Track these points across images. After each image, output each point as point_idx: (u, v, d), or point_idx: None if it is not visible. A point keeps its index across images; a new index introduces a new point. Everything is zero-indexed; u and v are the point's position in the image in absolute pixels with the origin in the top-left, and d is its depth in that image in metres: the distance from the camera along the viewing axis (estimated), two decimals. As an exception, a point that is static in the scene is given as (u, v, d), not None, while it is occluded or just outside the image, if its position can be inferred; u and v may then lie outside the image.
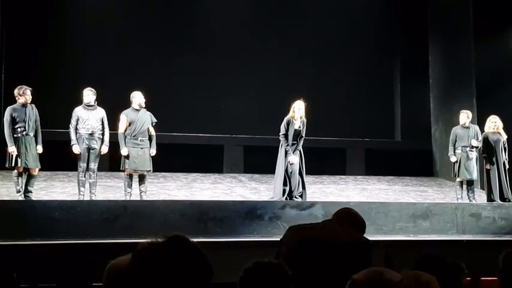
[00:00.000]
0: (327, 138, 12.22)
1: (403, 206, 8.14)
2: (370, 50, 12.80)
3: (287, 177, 8.14)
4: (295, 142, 8.18)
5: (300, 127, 8.19)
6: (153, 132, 8.09)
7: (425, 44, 12.58)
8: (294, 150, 8.16)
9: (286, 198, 8.14)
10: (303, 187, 8.29)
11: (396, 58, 13.20)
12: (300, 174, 8.25)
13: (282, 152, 8.23)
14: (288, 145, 8.11)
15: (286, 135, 8.15)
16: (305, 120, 8.26)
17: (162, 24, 11.92)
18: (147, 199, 8.04)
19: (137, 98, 8.05)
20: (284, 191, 8.16)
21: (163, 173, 10.65)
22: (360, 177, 11.85)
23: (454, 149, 9.12)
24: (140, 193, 8.01)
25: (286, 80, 12.16)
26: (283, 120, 8.24)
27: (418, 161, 12.38)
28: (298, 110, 8.19)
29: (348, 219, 3.23)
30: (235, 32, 12.15)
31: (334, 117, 12.49)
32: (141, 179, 8.03)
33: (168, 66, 11.93)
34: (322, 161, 12.14)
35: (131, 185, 7.98)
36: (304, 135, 8.24)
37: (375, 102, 12.96)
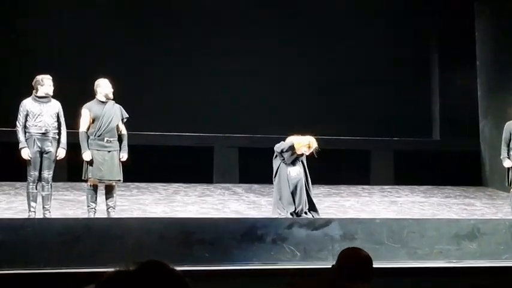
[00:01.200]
0: (345, 137, 12.25)
1: (444, 224, 8.15)
2: (400, 26, 12.82)
3: (290, 193, 8.25)
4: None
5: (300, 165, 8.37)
6: (123, 131, 8.10)
7: (470, 19, 12.61)
8: (294, 161, 8.33)
9: (293, 215, 8.17)
10: (311, 203, 8.35)
11: (433, 38, 13.24)
12: (306, 188, 8.33)
13: (277, 163, 8.39)
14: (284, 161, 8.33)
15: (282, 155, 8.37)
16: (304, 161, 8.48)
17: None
18: (117, 216, 8.04)
19: (103, 87, 8.05)
20: (287, 207, 8.23)
21: (137, 183, 10.62)
22: (387, 187, 11.86)
23: (508, 151, 9.10)
24: (108, 209, 8.01)
25: (292, 65, 12.19)
26: (282, 145, 8.46)
27: (462, 165, 12.41)
28: (302, 153, 8.35)
29: (354, 265, 3.31)
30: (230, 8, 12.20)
31: (355, 111, 12.53)
32: (109, 191, 8.03)
33: (145, 47, 11.96)
34: (339, 167, 12.16)
35: (96, 199, 7.98)
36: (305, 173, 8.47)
37: (406, 92, 13.00)
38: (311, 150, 8.36)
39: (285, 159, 8.38)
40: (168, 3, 12.22)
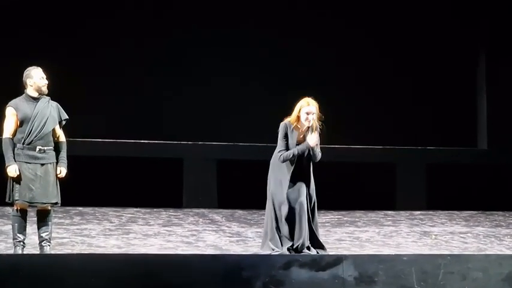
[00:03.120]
0: (363, 146, 12.32)
1: (493, 262, 8.17)
2: (440, 13, 13.06)
3: (287, 221, 8.25)
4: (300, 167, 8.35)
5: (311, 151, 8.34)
6: (62, 138, 8.10)
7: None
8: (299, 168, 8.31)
9: (290, 251, 8.18)
10: (313, 235, 8.36)
11: (480, 28, 13.41)
12: (310, 216, 8.33)
13: (274, 177, 8.36)
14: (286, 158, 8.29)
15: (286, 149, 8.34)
16: (318, 127, 8.39)
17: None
18: (53, 252, 8.02)
19: (35, 77, 8.05)
20: (283, 240, 8.23)
21: (81, 208, 10.57)
22: (418, 212, 11.91)
23: None
24: (41, 242, 7.99)
25: (285, 55, 12.35)
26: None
27: (516, 184, 12.51)
28: (306, 119, 8.30)
29: None
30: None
31: (376, 115, 12.62)
32: (43, 218, 8.01)
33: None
34: (354, 187, 12.21)
35: (25, 229, 7.96)
36: (317, 158, 8.37)
37: (443, 91, 13.14)
38: (313, 109, 8.32)
39: (290, 157, 8.25)
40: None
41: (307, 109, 8.36)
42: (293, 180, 8.42)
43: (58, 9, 12.21)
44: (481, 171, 12.79)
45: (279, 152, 8.37)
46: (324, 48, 12.88)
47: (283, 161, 8.33)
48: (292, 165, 8.35)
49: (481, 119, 13.37)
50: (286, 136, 8.37)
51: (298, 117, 8.37)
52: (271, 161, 8.55)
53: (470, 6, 13.53)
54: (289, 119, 8.41)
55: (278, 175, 8.41)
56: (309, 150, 8.33)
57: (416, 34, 13.31)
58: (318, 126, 8.43)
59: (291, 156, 8.30)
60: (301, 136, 8.39)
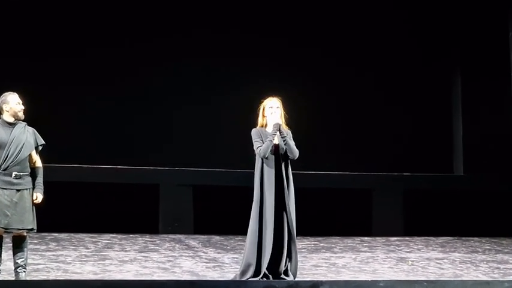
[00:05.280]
0: (340, 172, 12.37)
1: (469, 287, 8.20)
2: (414, 38, 13.20)
3: (268, 240, 8.17)
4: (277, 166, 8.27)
5: (280, 141, 8.28)
6: (38, 163, 8.10)
7: (502, 26, 12.99)
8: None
9: (267, 276, 8.17)
10: (291, 254, 8.33)
11: (454, 54, 13.58)
12: (289, 233, 8.28)
13: (259, 189, 8.28)
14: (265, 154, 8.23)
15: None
16: (288, 131, 8.39)
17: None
18: (29, 279, 7.98)
19: (11, 103, 8.06)
20: (261, 263, 8.19)
21: (56, 234, 10.50)
22: (395, 238, 11.92)
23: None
24: (16, 268, 7.96)
25: (266, 81, 12.40)
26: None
27: (492, 209, 12.57)
28: (270, 114, 8.33)
29: None
30: None
31: (352, 140, 12.69)
32: (18, 244, 7.98)
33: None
34: (332, 213, 12.24)
35: (0, 255, 7.92)
36: (293, 150, 8.31)
37: (419, 117, 13.24)
38: (277, 103, 8.36)
39: (268, 145, 8.18)
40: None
41: (270, 104, 8.41)
42: (272, 193, 8.29)
43: (35, 36, 12.26)
44: (457, 197, 12.86)
45: (257, 148, 8.30)
46: (299, 73, 12.96)
47: (265, 154, 8.21)
48: (272, 168, 8.31)
49: (457, 145, 13.46)
50: (259, 137, 8.33)
51: (265, 117, 8.43)
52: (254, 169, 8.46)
53: (444, 33, 13.69)
54: (258, 123, 8.44)
55: (259, 185, 8.34)
56: (282, 137, 8.27)
57: (391, 60, 13.44)
58: (287, 128, 8.42)
59: (268, 143, 8.20)
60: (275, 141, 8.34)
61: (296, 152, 8.36)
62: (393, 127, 13.15)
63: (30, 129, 8.12)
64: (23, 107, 8.11)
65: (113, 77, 12.56)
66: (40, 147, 8.13)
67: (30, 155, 8.03)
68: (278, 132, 8.27)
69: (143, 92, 12.59)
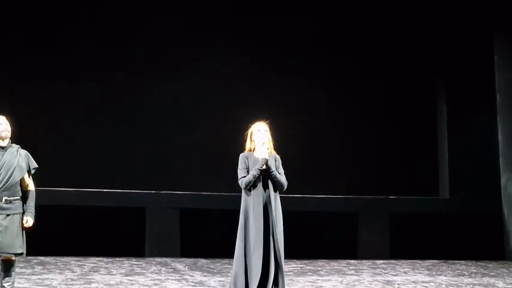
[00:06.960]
0: (326, 196, 12.41)
1: (454, 311, 8.22)
2: (398, 61, 13.30)
3: (255, 263, 8.17)
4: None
5: (269, 165, 8.31)
6: (31, 187, 7.97)
7: (487, 50, 13.15)
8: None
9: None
10: (277, 281, 8.34)
11: (440, 76, 13.70)
12: (276, 261, 8.30)
13: (244, 214, 8.28)
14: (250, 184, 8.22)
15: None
16: (277, 156, 8.44)
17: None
18: (14, 303, 7.98)
19: (-1, 126, 8.06)
20: (249, 283, 8.21)
21: (42, 258, 10.46)
22: (381, 261, 11.92)
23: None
24: (2, 292, 7.97)
25: (250, 103, 12.49)
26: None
27: (478, 233, 12.62)
28: (258, 137, 8.39)
29: None
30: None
31: (338, 164, 12.74)
32: (7, 267, 7.94)
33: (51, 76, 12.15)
34: (318, 235, 12.25)
35: (-14, 279, 7.94)
36: (281, 181, 8.33)
37: (405, 141, 13.32)
38: (264, 127, 8.41)
39: (251, 178, 8.18)
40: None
41: (257, 127, 8.46)
42: (259, 219, 8.32)
43: (24, 58, 12.31)
44: (443, 220, 12.91)
45: (239, 179, 8.31)
46: (285, 96, 13.04)
47: (246, 186, 8.20)
48: (260, 193, 8.34)
49: (442, 168, 13.54)
50: (245, 164, 8.38)
51: (252, 141, 8.50)
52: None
53: (430, 58, 13.81)
54: (246, 148, 8.46)
55: (246, 209, 8.37)
56: (270, 172, 8.33)
57: (377, 84, 13.54)
58: (274, 152, 8.47)
59: (252, 177, 8.20)
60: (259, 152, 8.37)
61: (285, 185, 8.34)
62: (379, 151, 13.24)
63: (23, 152, 8.02)
64: (5, 127, 8.00)
65: (100, 101, 12.60)
66: (33, 171, 8.05)
67: (22, 179, 7.98)
68: (265, 165, 8.30)
69: (130, 117, 12.64)
